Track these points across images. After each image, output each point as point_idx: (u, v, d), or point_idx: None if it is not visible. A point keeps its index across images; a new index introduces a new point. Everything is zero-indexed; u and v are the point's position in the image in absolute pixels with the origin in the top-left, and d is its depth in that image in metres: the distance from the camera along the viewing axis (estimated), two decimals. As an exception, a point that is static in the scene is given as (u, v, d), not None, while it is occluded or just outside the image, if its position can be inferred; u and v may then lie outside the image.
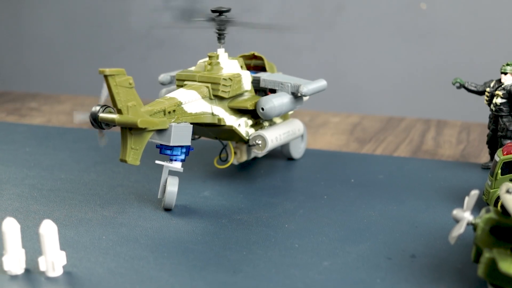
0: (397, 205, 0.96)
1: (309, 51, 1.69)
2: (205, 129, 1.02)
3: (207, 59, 1.03)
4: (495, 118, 1.07)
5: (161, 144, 0.93)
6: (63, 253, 0.77)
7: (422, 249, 0.82)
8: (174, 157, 0.94)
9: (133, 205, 0.97)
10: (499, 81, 1.06)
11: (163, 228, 0.89)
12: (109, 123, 0.90)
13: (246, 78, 1.03)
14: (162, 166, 0.95)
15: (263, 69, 1.12)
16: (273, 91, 1.05)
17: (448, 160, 1.18)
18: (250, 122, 1.04)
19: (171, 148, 0.93)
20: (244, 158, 1.09)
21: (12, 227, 0.75)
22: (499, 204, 0.88)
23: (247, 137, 1.03)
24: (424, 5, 1.58)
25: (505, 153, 0.90)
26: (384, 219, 0.91)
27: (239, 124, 1.01)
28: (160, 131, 0.92)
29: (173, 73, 1.12)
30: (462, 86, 1.10)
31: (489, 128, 1.09)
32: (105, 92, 0.89)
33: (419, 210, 0.94)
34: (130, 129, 0.89)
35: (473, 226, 0.72)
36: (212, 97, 0.99)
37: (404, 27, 1.60)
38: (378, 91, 1.65)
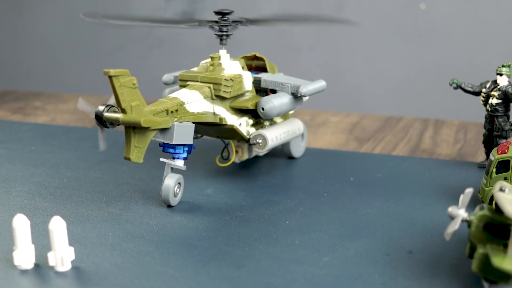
0: (395, 203, 0.97)
1: (308, 51, 1.70)
2: (207, 128, 1.04)
3: (209, 60, 1.05)
4: (490, 118, 1.09)
5: (164, 143, 0.95)
6: (72, 249, 0.79)
7: (419, 245, 0.84)
8: (176, 155, 0.96)
9: (138, 202, 0.99)
10: (494, 82, 1.07)
11: (168, 225, 0.91)
12: (113, 122, 0.92)
13: (247, 78, 1.05)
14: (165, 164, 0.97)
15: (264, 69, 1.13)
16: (273, 91, 1.07)
17: (446, 159, 1.19)
18: (251, 121, 1.05)
19: (174, 146, 0.95)
20: (245, 156, 1.11)
21: (22, 223, 0.77)
22: (493, 202, 0.90)
23: (248, 136, 1.04)
24: (423, 5, 1.59)
25: (499, 152, 0.91)
26: (382, 217, 0.93)
27: (240, 124, 1.03)
28: (163, 130, 0.94)
29: (177, 73, 1.13)
30: (459, 86, 1.12)
31: (485, 128, 1.10)
32: (86, 106, 0.92)
33: (416, 207, 0.96)
34: (133, 128, 0.91)
35: (467, 223, 0.73)
36: (214, 97, 1.00)
37: (403, 27, 1.61)
38: (377, 91, 1.66)
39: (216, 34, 1.05)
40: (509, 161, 0.90)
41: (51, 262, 0.78)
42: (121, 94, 0.89)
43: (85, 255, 0.82)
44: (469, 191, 0.74)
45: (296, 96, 1.04)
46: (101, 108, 0.92)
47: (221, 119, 1.01)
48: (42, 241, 0.84)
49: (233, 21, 1.04)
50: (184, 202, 0.98)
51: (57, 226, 0.77)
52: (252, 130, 1.05)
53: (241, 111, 1.04)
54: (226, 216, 0.94)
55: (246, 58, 1.14)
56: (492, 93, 1.07)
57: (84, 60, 1.92)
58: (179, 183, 0.97)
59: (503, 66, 1.06)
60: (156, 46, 1.84)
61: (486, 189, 0.92)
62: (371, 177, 1.09)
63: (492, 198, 0.90)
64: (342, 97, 1.66)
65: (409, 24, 1.60)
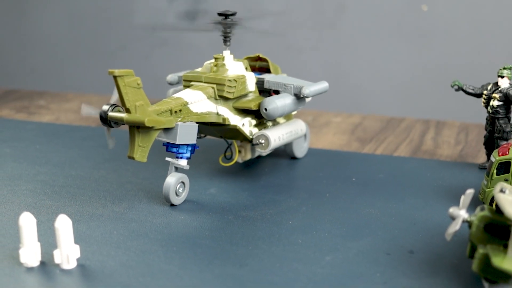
0: (397, 203, 0.98)
1: (311, 52, 1.71)
2: (210, 128, 1.05)
3: (213, 60, 1.06)
4: (491, 120, 1.09)
5: (167, 142, 0.96)
6: (77, 247, 0.80)
7: (420, 245, 0.84)
8: (180, 155, 0.97)
9: (142, 201, 1.00)
10: (496, 84, 1.08)
11: (172, 224, 0.92)
12: (118, 122, 0.93)
13: (251, 79, 1.05)
14: (169, 163, 0.98)
15: (267, 70, 1.14)
16: (277, 92, 1.07)
17: (447, 160, 1.20)
18: (254, 122, 1.06)
19: (177, 146, 0.96)
20: (248, 156, 1.11)
21: (28, 221, 0.78)
22: (494, 203, 0.90)
23: (251, 136, 1.05)
24: (425, 7, 1.59)
25: (500, 154, 0.92)
26: (383, 216, 0.93)
27: (243, 124, 1.04)
28: (166, 130, 0.95)
29: (181, 74, 1.14)
30: (460, 88, 1.12)
31: (486, 130, 1.11)
32: (116, 93, 0.92)
33: (418, 208, 0.96)
34: (138, 128, 0.92)
35: (468, 223, 0.74)
36: (217, 97, 1.01)
37: (405, 28, 1.62)
38: (379, 92, 1.67)
39: (221, 35, 1.06)
40: (509, 162, 0.90)
41: (57, 260, 0.79)
42: (125, 94, 0.90)
43: (90, 253, 0.83)
44: (470, 192, 0.74)
45: (299, 97, 1.05)
46: (105, 107, 0.93)
47: (224, 119, 1.02)
48: (47, 239, 0.85)
49: (233, 22, 1.04)
50: (188, 201, 0.99)
51: (63, 224, 0.78)
52: (255, 131, 1.06)
53: (244, 112, 1.04)
54: (230, 216, 0.94)
55: (250, 59, 1.15)
56: (493, 95, 1.07)
57: (88, 60, 1.93)
58: (182, 182, 0.98)
59: (504, 68, 1.07)
60: (159, 46, 1.84)
61: (487, 190, 0.92)
62: (373, 178, 1.09)
63: (492, 199, 0.91)
64: (344, 98, 1.67)
65: (411, 25, 1.61)
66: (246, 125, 1.04)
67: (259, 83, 1.08)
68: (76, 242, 0.81)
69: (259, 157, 1.19)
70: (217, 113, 1.01)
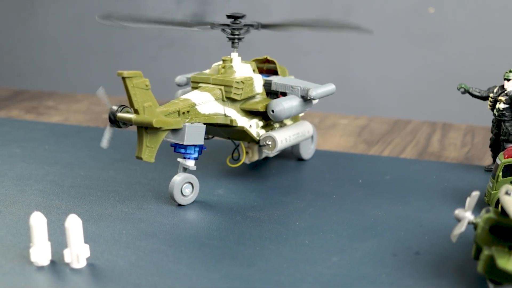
0: (403, 205, 0.98)
1: (318, 54, 1.72)
2: (218, 129, 1.06)
3: (221, 62, 1.06)
4: (498, 122, 1.10)
5: (175, 143, 0.97)
6: (87, 246, 0.80)
7: (425, 247, 0.85)
8: (187, 156, 0.98)
9: (150, 201, 1.01)
10: (502, 87, 1.08)
11: (180, 224, 0.92)
12: (126, 122, 0.94)
13: (258, 81, 1.06)
14: (177, 164, 0.99)
15: (275, 72, 1.14)
16: (284, 94, 1.08)
17: (453, 162, 1.20)
18: (261, 123, 1.07)
19: (185, 146, 0.97)
20: (255, 157, 1.12)
21: (39, 220, 0.79)
22: (499, 205, 0.91)
23: (258, 138, 1.06)
24: (432, 9, 1.60)
25: (506, 156, 0.92)
26: (390, 218, 0.94)
27: (251, 125, 1.05)
28: (174, 131, 0.96)
29: (189, 75, 1.15)
30: (466, 91, 1.12)
31: (492, 132, 1.11)
32: (104, 96, 0.94)
33: (424, 210, 0.97)
34: (146, 128, 0.93)
35: (473, 225, 0.74)
36: (225, 99, 1.02)
37: (412, 31, 1.62)
38: (385, 94, 1.67)
39: (228, 37, 1.07)
40: (515, 165, 0.91)
41: (67, 259, 0.80)
42: (134, 95, 0.91)
43: (100, 252, 0.84)
44: (475, 194, 0.75)
45: (306, 99, 1.06)
46: (114, 108, 0.94)
47: (231, 120, 1.03)
48: (57, 239, 0.86)
49: (245, 25, 1.06)
50: (196, 202, 1.00)
51: (73, 224, 0.79)
52: (262, 132, 1.07)
53: (251, 113, 1.05)
54: (237, 216, 0.95)
55: (258, 61, 1.15)
56: (499, 98, 1.08)
57: (96, 60, 1.94)
58: (189, 183, 0.99)
59: (510, 71, 1.07)
60: (166, 47, 1.85)
61: (493, 192, 0.93)
62: (379, 179, 1.10)
63: (498, 201, 0.91)
64: (351, 100, 1.67)
65: (418, 28, 1.61)
66: (253, 126, 1.05)
67: (267, 85, 1.08)
68: (85, 242, 0.82)
69: (266, 158, 1.19)
70: (225, 115, 1.02)
